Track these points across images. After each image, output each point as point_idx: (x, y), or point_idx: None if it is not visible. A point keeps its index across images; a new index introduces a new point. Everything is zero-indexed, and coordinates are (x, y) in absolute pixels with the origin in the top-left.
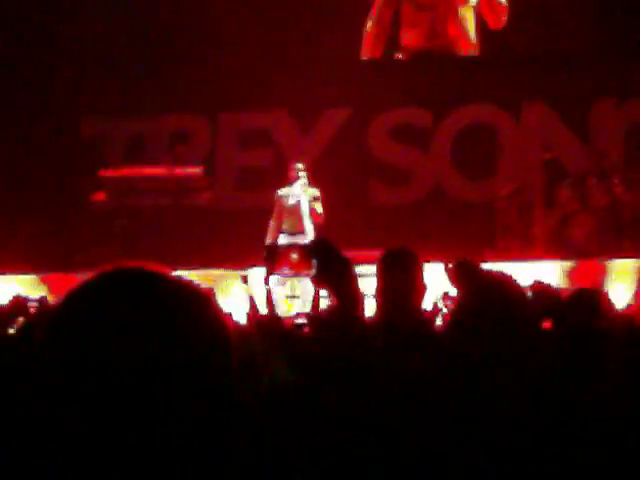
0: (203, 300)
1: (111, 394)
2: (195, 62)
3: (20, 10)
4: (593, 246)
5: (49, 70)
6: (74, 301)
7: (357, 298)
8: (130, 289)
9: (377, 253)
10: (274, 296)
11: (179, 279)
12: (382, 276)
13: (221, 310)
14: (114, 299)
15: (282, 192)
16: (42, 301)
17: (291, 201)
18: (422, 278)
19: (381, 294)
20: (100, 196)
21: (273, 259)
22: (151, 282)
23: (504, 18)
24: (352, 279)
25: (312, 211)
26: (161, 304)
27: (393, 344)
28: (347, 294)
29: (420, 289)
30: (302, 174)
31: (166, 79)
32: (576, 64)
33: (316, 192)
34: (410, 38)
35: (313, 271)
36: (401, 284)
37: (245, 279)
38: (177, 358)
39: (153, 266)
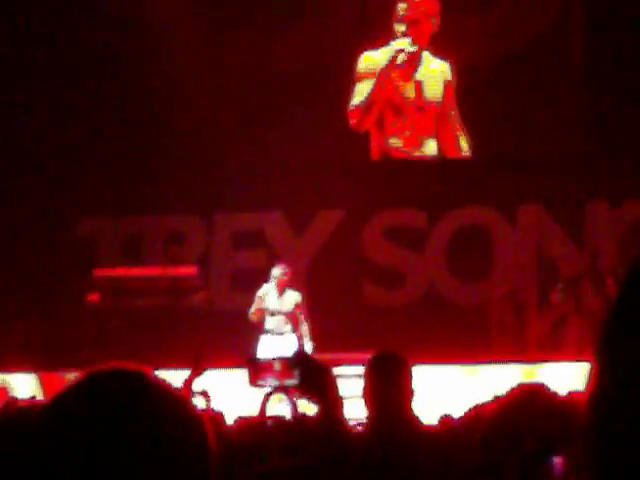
0: (180, 402)
1: None
2: (190, 163)
3: (23, 113)
4: (586, 348)
5: (45, 170)
6: (60, 403)
7: (337, 405)
8: (112, 391)
9: (368, 355)
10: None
11: (158, 380)
12: (370, 379)
13: (197, 411)
14: (97, 401)
15: (261, 292)
16: (32, 402)
17: (271, 302)
18: (410, 382)
19: (369, 397)
20: (94, 296)
21: (254, 370)
22: (132, 384)
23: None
24: (332, 387)
25: (294, 314)
26: (140, 406)
27: (380, 451)
28: (328, 402)
29: (408, 393)
30: (280, 276)
31: (162, 180)
32: (570, 167)
33: (297, 295)
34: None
35: (295, 381)
36: (389, 388)
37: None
38: (154, 461)
39: (135, 366)
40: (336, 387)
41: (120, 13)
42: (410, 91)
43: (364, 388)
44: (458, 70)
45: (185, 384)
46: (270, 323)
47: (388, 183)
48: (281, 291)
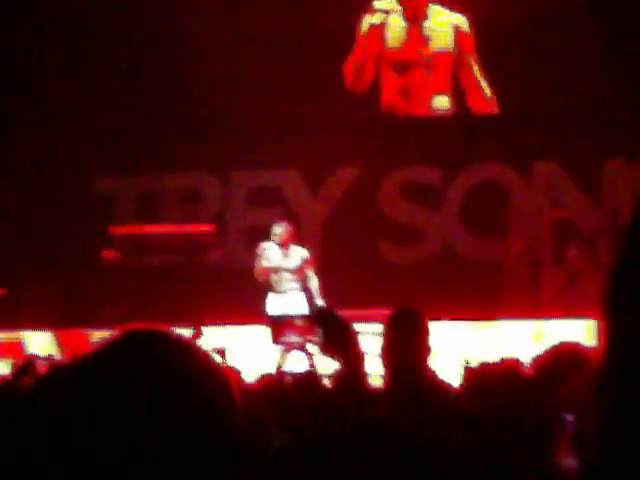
0: (208, 362)
1: (124, 454)
2: (206, 121)
3: (36, 73)
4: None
5: (61, 127)
6: (91, 363)
7: (359, 361)
8: (142, 352)
9: (385, 311)
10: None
11: (185, 341)
12: (388, 337)
13: (223, 368)
14: (128, 362)
15: (261, 250)
16: (50, 360)
17: (274, 259)
18: (427, 339)
19: (387, 355)
20: (111, 254)
21: (276, 327)
22: (160, 345)
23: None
24: (354, 343)
25: (301, 270)
26: (170, 367)
27: (398, 409)
28: (350, 358)
29: (425, 350)
30: (282, 234)
31: (178, 137)
32: (587, 123)
33: (304, 252)
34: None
35: (318, 339)
36: (407, 345)
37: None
38: (183, 419)
39: (160, 327)
40: (358, 343)
41: None
42: (412, 46)
43: (382, 345)
44: (476, 25)
45: None
46: (274, 280)
47: (404, 140)
48: (285, 248)
